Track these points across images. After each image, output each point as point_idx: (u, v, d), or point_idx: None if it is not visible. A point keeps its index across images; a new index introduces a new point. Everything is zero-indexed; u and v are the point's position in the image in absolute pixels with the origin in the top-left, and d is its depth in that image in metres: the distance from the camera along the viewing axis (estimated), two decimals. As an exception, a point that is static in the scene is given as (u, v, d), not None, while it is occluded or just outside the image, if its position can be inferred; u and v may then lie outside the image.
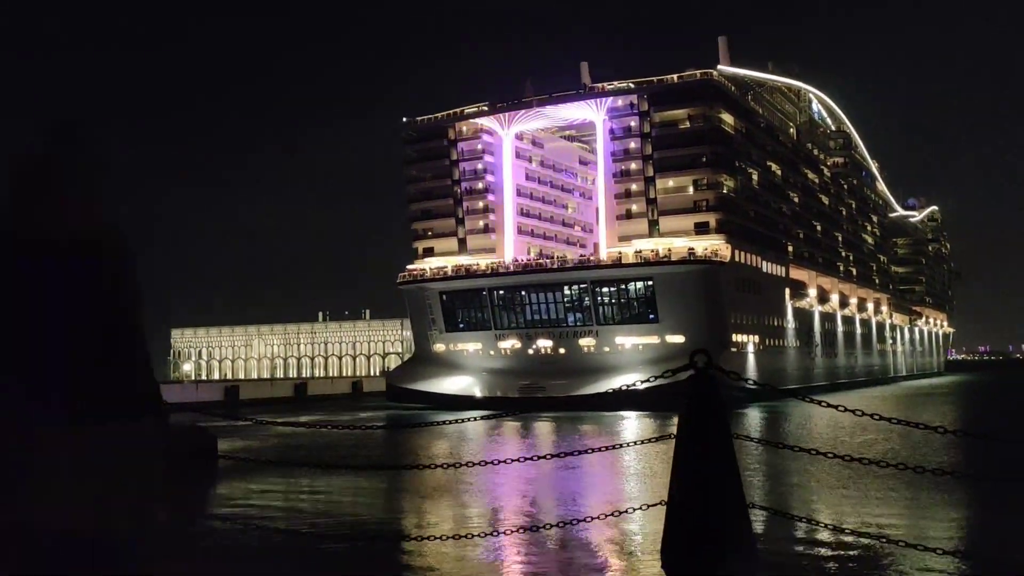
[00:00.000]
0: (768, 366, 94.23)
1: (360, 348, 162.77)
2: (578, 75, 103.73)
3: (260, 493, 30.68)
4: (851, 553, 19.01)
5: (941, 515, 23.79)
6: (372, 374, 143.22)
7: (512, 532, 8.40)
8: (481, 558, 18.62)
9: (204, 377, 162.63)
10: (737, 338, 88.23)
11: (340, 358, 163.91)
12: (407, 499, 28.50)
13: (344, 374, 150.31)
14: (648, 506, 6.52)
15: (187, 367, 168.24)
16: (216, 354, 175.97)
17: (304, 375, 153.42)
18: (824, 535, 20.03)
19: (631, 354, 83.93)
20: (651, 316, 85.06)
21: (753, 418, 63.32)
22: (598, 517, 7.55)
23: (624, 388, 7.92)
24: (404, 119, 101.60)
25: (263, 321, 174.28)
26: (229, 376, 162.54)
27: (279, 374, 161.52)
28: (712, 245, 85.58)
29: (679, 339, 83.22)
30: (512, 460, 8.58)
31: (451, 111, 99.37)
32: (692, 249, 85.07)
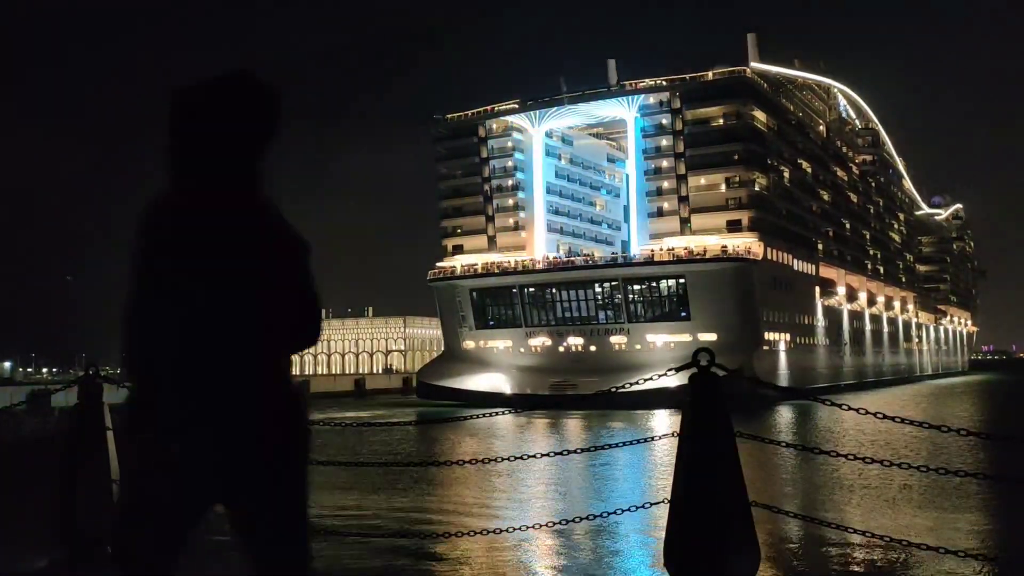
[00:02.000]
0: (799, 364, 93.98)
1: (363, 346, 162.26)
2: (605, 73, 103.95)
3: None
4: (861, 555, 18.71)
5: (964, 518, 23.46)
6: (375, 371, 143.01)
7: (512, 531, 8.29)
8: (479, 559, 18.37)
9: None
10: (769, 336, 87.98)
11: (343, 356, 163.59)
12: (417, 495, 27.76)
13: (347, 372, 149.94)
14: (651, 504, 6.52)
15: None
16: None
17: (307, 372, 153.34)
18: (834, 536, 19.47)
19: (663, 352, 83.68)
20: (683, 314, 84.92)
21: (782, 417, 63.19)
22: (601, 516, 7.45)
23: (627, 386, 7.92)
24: (434, 116, 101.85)
25: None
26: None
27: None
28: (744, 243, 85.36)
29: (711, 337, 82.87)
30: (503, 459, 8.45)
31: (481, 108, 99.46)
32: (725, 247, 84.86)
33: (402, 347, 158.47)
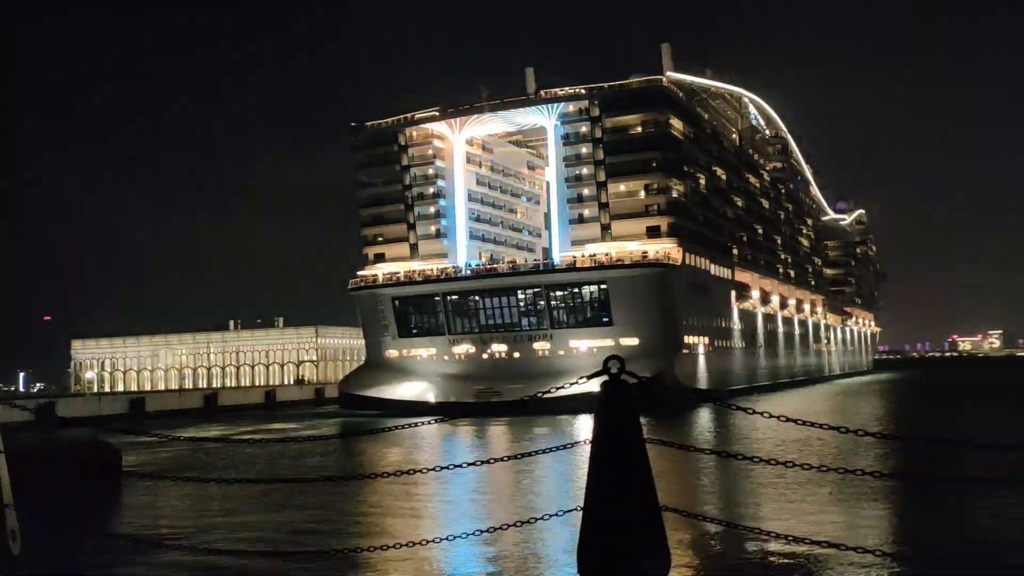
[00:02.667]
0: (717, 367, 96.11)
1: (273, 357, 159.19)
2: (523, 81, 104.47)
3: (172, 509, 29.52)
4: (771, 555, 19.11)
5: (867, 514, 24.30)
6: (286, 383, 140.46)
7: (426, 543, 8.29)
8: (404, 569, 18.43)
9: (108, 389, 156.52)
10: (689, 340, 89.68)
11: (252, 367, 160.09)
12: (333, 510, 27.53)
13: (257, 383, 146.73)
14: (563, 511, 6.57)
15: (90, 375, 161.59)
16: (121, 365, 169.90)
17: (215, 385, 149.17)
18: (745, 537, 20.00)
19: (586, 357, 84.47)
20: (605, 319, 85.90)
21: (701, 419, 64.40)
22: (514, 525, 7.43)
23: (551, 391, 7.83)
24: (353, 124, 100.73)
25: (171, 330, 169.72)
26: (135, 387, 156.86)
27: (188, 384, 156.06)
28: (664, 249, 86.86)
29: (633, 341, 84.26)
30: (416, 471, 8.44)
31: (401, 116, 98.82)
32: (645, 253, 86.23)
33: (314, 357, 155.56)
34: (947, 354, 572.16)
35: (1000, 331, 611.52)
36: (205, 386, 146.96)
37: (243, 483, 30.23)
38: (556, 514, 6.90)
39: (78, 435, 38.12)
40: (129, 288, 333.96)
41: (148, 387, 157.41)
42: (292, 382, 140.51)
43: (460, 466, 7.95)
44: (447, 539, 8.08)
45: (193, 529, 25.38)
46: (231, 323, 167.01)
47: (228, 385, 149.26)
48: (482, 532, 7.92)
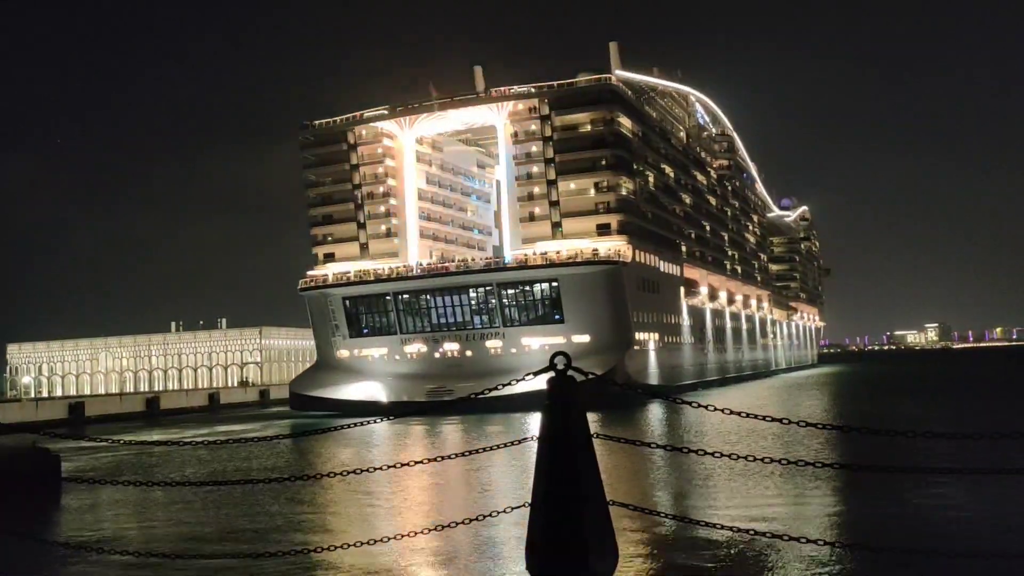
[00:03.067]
0: (667, 363, 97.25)
1: (216, 359, 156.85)
2: (471, 79, 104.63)
3: (114, 515, 29.06)
4: (719, 548, 19.42)
5: (814, 504, 24.97)
6: (230, 385, 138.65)
7: (376, 542, 8.41)
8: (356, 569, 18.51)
9: (46, 394, 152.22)
10: (640, 336, 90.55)
11: (195, 369, 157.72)
12: (277, 512, 27.48)
13: (200, 386, 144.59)
14: (512, 508, 6.58)
15: (26, 379, 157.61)
16: (59, 369, 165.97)
17: (156, 388, 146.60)
18: (693, 530, 20.49)
19: (538, 355, 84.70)
20: (556, 317, 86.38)
21: (652, 414, 65.14)
22: (463, 523, 7.36)
23: (498, 388, 7.73)
24: (303, 123, 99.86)
25: (112, 333, 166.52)
26: (74, 392, 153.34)
27: (129, 388, 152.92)
28: (614, 246, 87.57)
29: (585, 339, 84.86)
30: (362, 470, 8.47)
31: (350, 115, 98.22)
32: (596, 250, 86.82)
33: (258, 359, 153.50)
34: (885, 347, 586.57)
35: (936, 325, 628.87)
36: (147, 389, 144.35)
37: (187, 486, 30.06)
38: (504, 511, 6.89)
39: (14, 441, 37.18)
40: (67, 291, 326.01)
41: (88, 391, 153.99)
42: (236, 384, 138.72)
43: (408, 464, 7.90)
44: (395, 538, 7.98)
45: (135, 534, 25.09)
46: (172, 325, 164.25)
47: (170, 388, 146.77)
48: (430, 531, 7.96)
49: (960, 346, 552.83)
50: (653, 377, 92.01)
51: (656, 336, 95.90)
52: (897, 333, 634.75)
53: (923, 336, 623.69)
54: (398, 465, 7.92)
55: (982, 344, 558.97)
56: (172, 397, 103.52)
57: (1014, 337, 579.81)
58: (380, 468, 8.23)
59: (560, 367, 5.37)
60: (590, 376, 6.04)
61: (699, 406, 6.96)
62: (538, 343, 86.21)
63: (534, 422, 58.54)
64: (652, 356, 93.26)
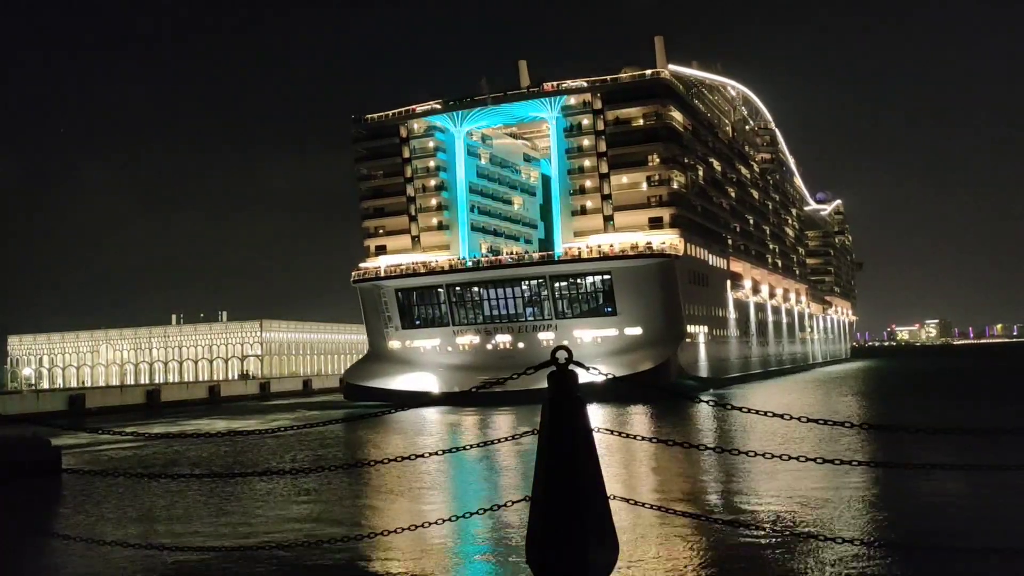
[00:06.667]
0: (716, 356, 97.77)
1: (217, 351, 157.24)
2: (516, 73, 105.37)
3: (115, 509, 28.50)
4: (724, 545, 19.16)
5: (841, 506, 23.86)
6: (230, 378, 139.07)
7: (382, 534, 8.77)
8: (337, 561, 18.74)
9: (47, 386, 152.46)
10: (691, 329, 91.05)
11: (196, 362, 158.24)
12: (272, 509, 27.32)
13: (200, 378, 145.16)
14: (513, 502, 6.63)
15: (27, 371, 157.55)
16: (59, 361, 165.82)
17: (157, 381, 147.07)
18: (698, 527, 20.17)
19: (590, 347, 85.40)
20: (608, 309, 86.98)
21: (701, 411, 64.96)
22: (463, 516, 7.34)
23: (513, 378, 7.34)
24: (353, 116, 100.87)
25: (112, 325, 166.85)
26: (74, 384, 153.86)
27: (129, 380, 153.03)
28: (667, 239, 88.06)
29: (637, 331, 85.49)
30: (390, 460, 8.60)
31: (402, 109, 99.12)
32: (650, 243, 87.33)
33: (259, 352, 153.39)
34: (886, 344, 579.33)
35: (936, 321, 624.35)
36: (147, 382, 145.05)
37: (193, 479, 29.17)
38: (506, 505, 6.96)
39: (15, 433, 37.28)
40: (70, 284, 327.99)
41: (88, 382, 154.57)
42: (236, 377, 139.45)
43: (422, 455, 7.99)
44: (450, 520, 7.83)
45: (135, 526, 24.90)
46: (173, 317, 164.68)
47: (171, 380, 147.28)
48: (443, 521, 7.99)
49: (960, 343, 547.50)
50: (703, 370, 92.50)
51: (705, 329, 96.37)
52: (897, 329, 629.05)
53: (923, 332, 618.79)
54: (411, 457, 8.08)
55: (982, 341, 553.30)
56: (172, 390, 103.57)
57: (1015, 334, 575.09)
58: (408, 458, 8.31)
59: (561, 360, 5.33)
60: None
61: (732, 408, 6.87)
62: (590, 335, 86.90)
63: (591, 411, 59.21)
64: (702, 349, 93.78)
